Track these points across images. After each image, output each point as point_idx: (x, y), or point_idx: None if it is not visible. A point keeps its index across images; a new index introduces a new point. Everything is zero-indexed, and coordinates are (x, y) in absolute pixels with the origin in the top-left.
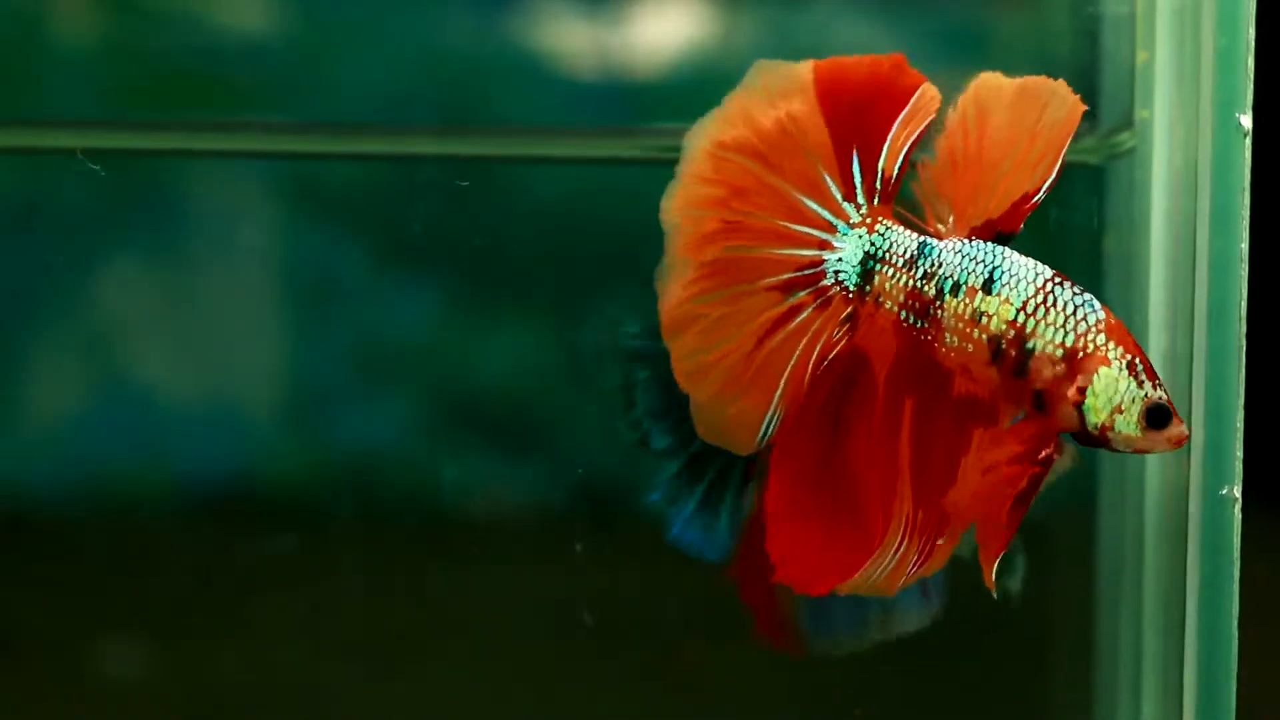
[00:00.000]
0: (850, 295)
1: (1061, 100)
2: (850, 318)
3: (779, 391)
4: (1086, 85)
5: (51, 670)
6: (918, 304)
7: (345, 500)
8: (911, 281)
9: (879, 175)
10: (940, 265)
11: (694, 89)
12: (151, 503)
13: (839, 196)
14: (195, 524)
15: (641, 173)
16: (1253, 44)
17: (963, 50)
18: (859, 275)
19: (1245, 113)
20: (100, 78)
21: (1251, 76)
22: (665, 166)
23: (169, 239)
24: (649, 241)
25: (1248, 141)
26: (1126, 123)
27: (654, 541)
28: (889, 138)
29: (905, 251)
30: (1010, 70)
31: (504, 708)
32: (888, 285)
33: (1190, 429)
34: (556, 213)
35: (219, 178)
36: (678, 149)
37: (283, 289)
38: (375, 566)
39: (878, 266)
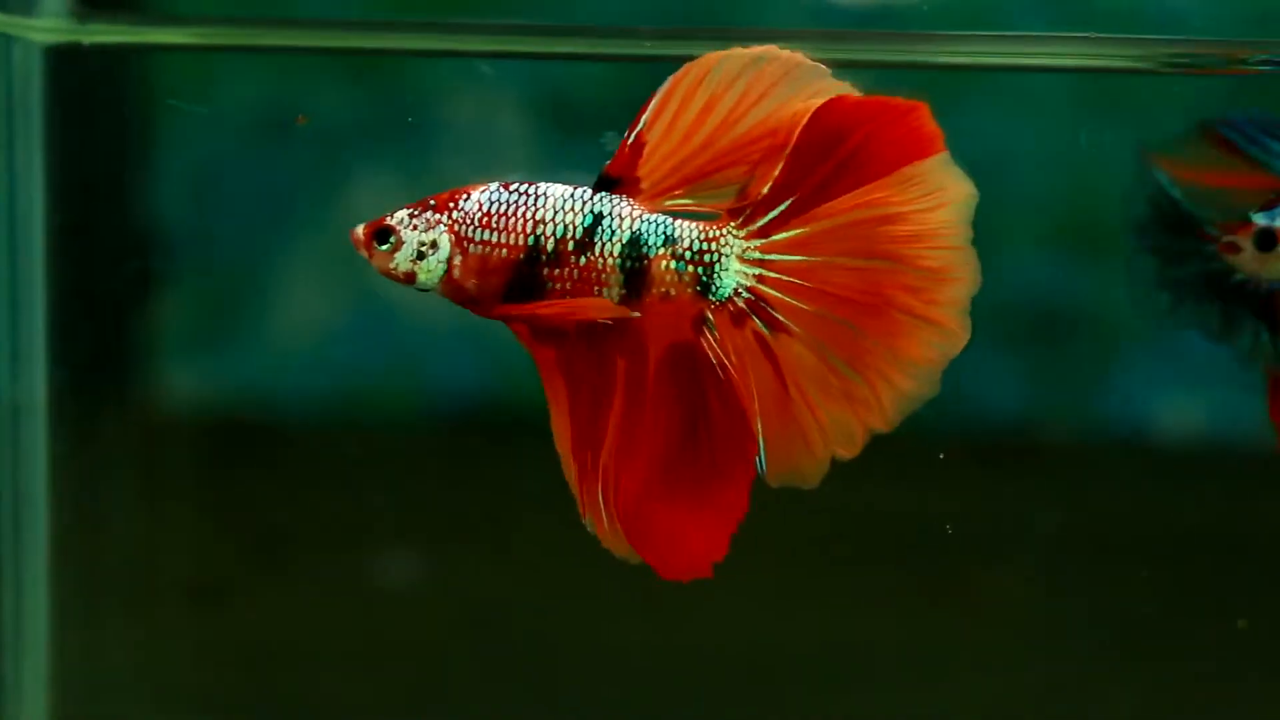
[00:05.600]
0: None
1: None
2: None
3: None
4: None
5: (314, 579)
6: None
7: None
8: None
9: None
10: None
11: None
12: (404, 416)
13: None
14: (445, 438)
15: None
16: None
17: None
18: None
19: None
20: None
21: None
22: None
23: (424, 147)
24: None
25: None
26: None
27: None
28: None
29: None
30: None
31: (776, 620)
32: None
33: None
34: None
35: (469, 85)
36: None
37: None
38: None
39: None
